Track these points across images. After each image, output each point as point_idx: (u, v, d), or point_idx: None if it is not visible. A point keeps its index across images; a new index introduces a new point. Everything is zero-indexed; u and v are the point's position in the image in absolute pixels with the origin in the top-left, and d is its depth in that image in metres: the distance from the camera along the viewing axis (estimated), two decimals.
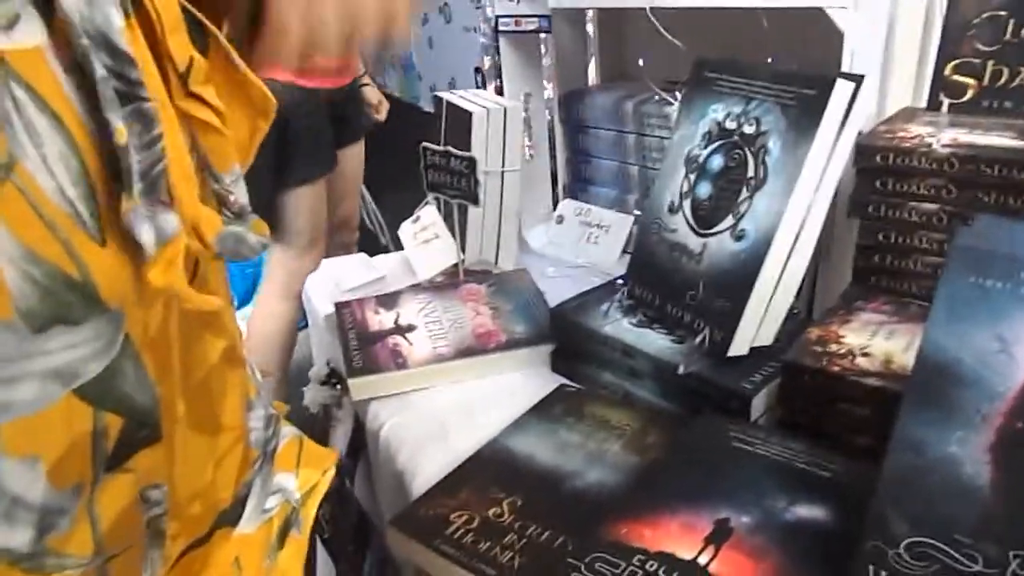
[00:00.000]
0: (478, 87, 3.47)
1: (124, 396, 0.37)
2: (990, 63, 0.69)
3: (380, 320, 0.96)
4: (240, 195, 0.44)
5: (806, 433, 0.67)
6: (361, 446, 0.97)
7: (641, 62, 0.96)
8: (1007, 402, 0.48)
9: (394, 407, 0.87)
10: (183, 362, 0.42)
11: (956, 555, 0.45)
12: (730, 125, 0.75)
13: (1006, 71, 0.68)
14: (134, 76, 0.35)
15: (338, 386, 1.05)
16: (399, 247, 1.21)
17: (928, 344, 0.51)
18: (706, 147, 0.77)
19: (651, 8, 0.87)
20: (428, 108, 3.91)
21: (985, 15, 0.68)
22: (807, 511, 0.58)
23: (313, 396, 1.07)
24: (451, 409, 0.85)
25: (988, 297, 0.50)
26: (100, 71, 0.33)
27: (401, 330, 0.94)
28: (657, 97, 1.02)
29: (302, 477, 0.53)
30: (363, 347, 0.91)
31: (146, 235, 0.35)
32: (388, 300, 1.00)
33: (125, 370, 0.36)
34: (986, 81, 0.69)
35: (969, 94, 0.71)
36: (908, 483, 0.49)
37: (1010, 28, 0.67)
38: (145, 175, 0.36)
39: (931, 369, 0.50)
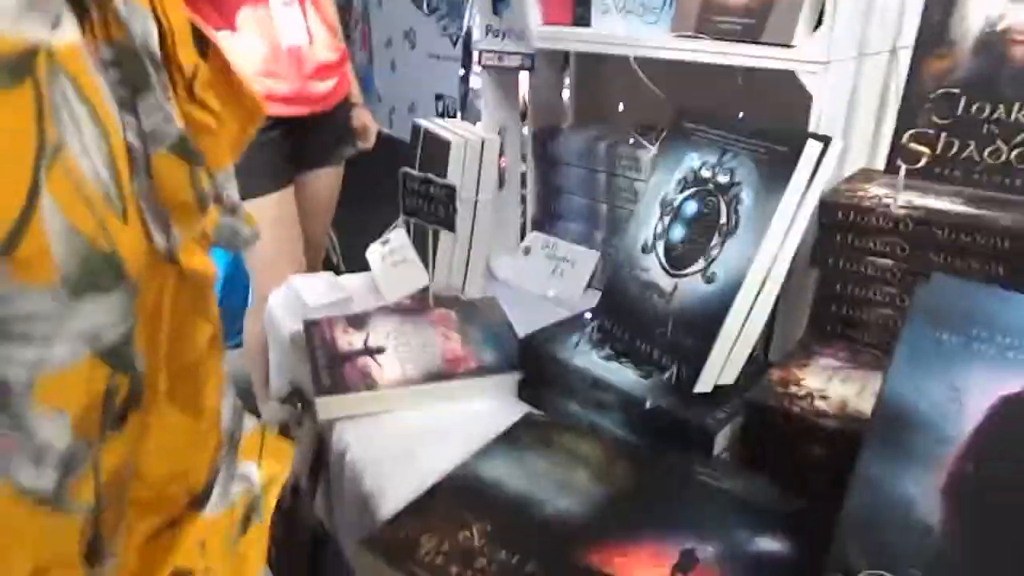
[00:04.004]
0: (438, 114, 3.51)
1: (132, 361, 0.41)
2: (943, 135, 0.75)
3: (349, 340, 0.96)
4: (232, 192, 0.49)
5: (766, 469, 0.70)
6: (322, 467, 0.97)
7: (621, 107, 1.00)
8: (957, 447, 0.52)
9: (361, 428, 0.87)
10: (173, 341, 0.45)
11: None
12: (705, 174, 0.79)
13: (957, 143, 0.75)
14: (163, 79, 0.41)
15: (299, 405, 1.04)
16: (351, 265, 1.21)
17: (888, 391, 0.55)
18: (681, 192, 0.81)
19: (634, 57, 0.91)
20: (386, 130, 3.93)
21: (941, 91, 0.75)
22: (768, 544, 0.61)
23: (272, 414, 1.06)
24: (418, 432, 0.86)
25: (943, 349, 0.54)
26: (149, 69, 0.39)
27: (371, 351, 0.94)
28: (631, 140, 1.06)
29: (265, 467, 0.57)
30: (331, 366, 0.91)
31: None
32: (358, 321, 1.01)
33: (135, 337, 0.40)
34: (939, 151, 0.75)
35: (923, 161, 0.77)
36: (867, 520, 0.52)
37: (962, 105, 0.74)
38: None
39: (890, 414, 0.54)
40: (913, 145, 0.77)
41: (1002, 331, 0.53)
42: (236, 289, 2.59)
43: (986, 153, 0.75)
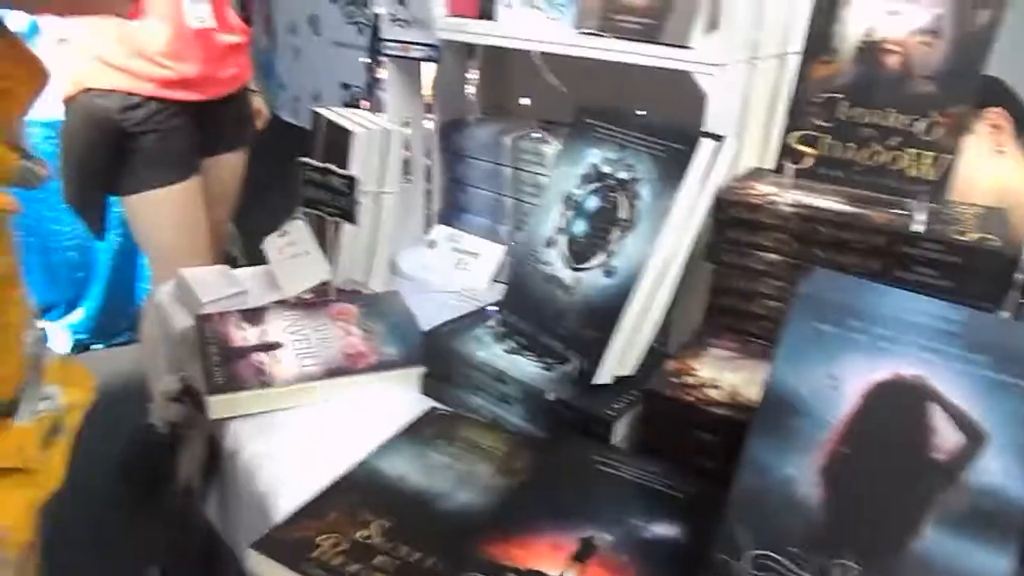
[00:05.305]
0: (345, 103, 3.42)
1: None
2: (827, 137, 0.79)
3: (244, 336, 0.92)
4: (25, 142, 0.57)
5: (662, 456, 0.72)
6: (215, 467, 0.92)
7: (528, 101, 1.01)
8: (835, 430, 0.55)
9: (256, 427, 0.84)
10: None
11: (789, 564, 0.52)
12: (606, 169, 0.81)
13: (839, 145, 0.79)
14: None
15: (191, 403, 0.99)
16: (250, 259, 1.17)
17: (773, 380, 0.57)
18: (583, 188, 0.82)
19: (538, 53, 0.91)
20: (288, 118, 3.80)
21: (825, 95, 0.79)
22: (663, 529, 0.63)
23: (161, 413, 1.01)
24: (317, 430, 0.83)
25: (822, 339, 0.57)
26: None
27: (267, 347, 0.91)
28: (535, 135, 1.07)
29: (68, 392, 0.64)
30: (225, 363, 0.87)
31: None
32: (253, 315, 0.97)
33: None
34: (822, 152, 0.80)
35: (809, 162, 0.81)
36: (753, 502, 0.55)
37: (843, 109, 0.78)
38: None
39: (775, 401, 0.57)
40: (799, 146, 0.81)
41: (875, 322, 0.56)
42: (127, 281, 2.45)
43: (864, 155, 0.80)
